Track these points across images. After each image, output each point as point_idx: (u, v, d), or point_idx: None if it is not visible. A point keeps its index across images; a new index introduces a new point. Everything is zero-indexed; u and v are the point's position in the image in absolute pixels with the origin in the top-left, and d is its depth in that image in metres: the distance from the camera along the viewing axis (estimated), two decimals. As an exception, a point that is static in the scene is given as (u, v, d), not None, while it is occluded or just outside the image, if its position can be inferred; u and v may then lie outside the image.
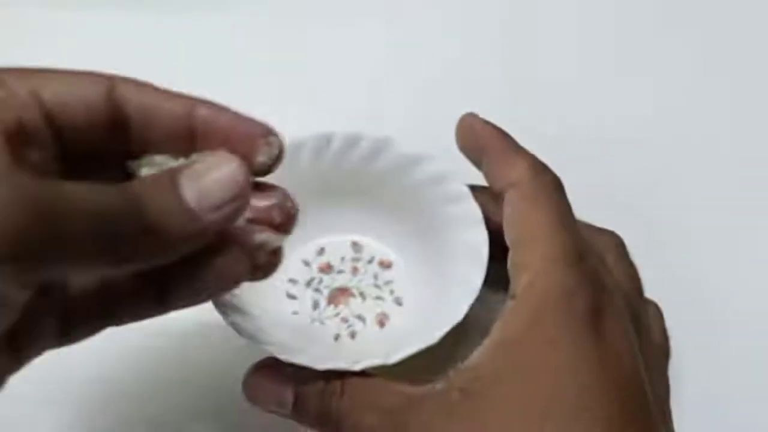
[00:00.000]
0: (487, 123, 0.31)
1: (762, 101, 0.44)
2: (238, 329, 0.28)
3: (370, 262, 0.35)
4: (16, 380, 0.23)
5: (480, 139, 0.31)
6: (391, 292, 0.34)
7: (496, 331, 0.27)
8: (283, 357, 0.27)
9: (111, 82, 0.23)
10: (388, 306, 0.33)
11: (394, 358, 0.27)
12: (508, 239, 0.28)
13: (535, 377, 0.25)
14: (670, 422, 0.29)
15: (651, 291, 0.32)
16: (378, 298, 0.34)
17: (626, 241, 0.32)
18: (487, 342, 0.26)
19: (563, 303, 0.26)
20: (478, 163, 0.31)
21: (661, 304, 0.33)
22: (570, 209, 0.29)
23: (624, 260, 0.32)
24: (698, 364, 0.34)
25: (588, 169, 0.38)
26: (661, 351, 0.32)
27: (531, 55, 0.45)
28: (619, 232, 0.32)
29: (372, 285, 0.34)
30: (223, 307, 0.28)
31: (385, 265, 0.34)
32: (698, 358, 0.34)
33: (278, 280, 0.33)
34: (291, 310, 0.33)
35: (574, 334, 0.26)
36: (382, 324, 0.33)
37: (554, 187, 0.29)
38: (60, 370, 0.30)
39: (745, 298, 0.38)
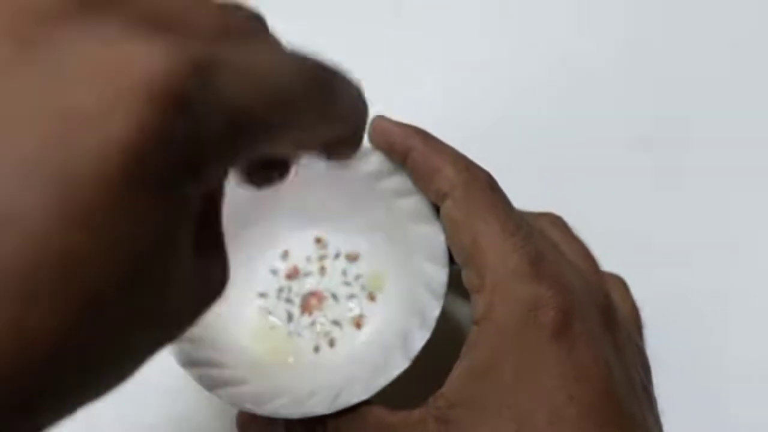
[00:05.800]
0: (402, 124, 0.28)
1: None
2: (210, 387, 0.27)
3: (336, 257, 0.33)
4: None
5: (398, 145, 0.28)
6: (363, 287, 0.33)
7: (465, 358, 0.26)
8: (261, 412, 0.27)
9: None
10: (362, 304, 0.33)
11: (370, 392, 0.27)
12: (456, 259, 0.27)
13: (506, 403, 0.25)
14: (653, 402, 0.29)
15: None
16: (351, 296, 0.33)
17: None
18: (457, 369, 0.26)
19: (529, 321, 0.25)
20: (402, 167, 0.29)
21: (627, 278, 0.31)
22: (509, 207, 0.27)
23: (574, 241, 0.30)
24: (671, 332, 0.33)
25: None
26: (634, 327, 0.30)
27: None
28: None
29: (342, 283, 0.33)
30: (190, 366, 0.28)
31: (352, 258, 0.33)
32: (671, 327, 0.33)
33: (249, 296, 0.33)
34: (268, 326, 0.33)
35: (541, 354, 0.25)
36: (358, 326, 0.32)
37: (488, 187, 0.27)
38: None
39: (711, 263, 0.37)
